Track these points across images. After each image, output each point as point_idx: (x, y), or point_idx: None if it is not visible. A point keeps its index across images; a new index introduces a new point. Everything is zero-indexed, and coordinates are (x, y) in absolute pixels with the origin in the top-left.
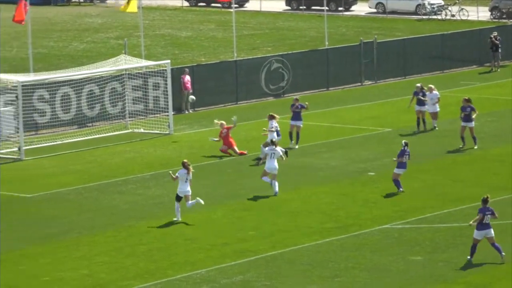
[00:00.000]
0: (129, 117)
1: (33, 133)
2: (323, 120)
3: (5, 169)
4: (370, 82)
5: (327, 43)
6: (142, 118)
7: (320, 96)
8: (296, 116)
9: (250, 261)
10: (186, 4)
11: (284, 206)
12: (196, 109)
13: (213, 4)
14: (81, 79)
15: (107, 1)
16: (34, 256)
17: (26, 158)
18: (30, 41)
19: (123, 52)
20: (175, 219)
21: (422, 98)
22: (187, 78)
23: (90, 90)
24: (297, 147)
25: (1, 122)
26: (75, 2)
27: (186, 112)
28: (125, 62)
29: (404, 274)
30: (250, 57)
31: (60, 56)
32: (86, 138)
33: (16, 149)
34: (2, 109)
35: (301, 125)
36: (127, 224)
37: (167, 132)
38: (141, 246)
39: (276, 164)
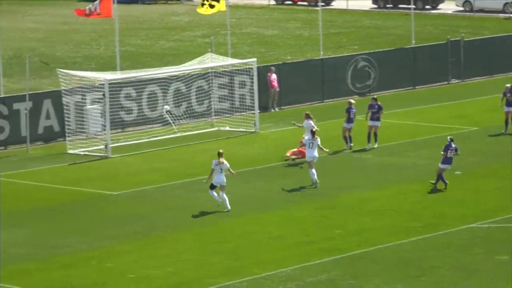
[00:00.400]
0: (215, 115)
1: (120, 130)
2: (409, 118)
3: (91, 167)
4: (456, 81)
5: (413, 41)
6: (228, 116)
7: (407, 94)
8: (374, 116)
9: (336, 259)
10: (273, 2)
11: (369, 204)
12: (282, 107)
13: (299, 3)
14: (168, 77)
15: (194, 0)
16: (120, 254)
17: (113, 156)
18: (117, 39)
19: (209, 50)
20: (218, 204)
21: (509, 98)
22: (274, 76)
23: (177, 88)
24: (376, 146)
25: (88, 119)
26: (162, 0)
27: (272, 110)
28: (212, 60)
29: (490, 274)
30: (337, 56)
31: (147, 54)
32: (172, 136)
33: (102, 146)
34: (89, 107)
35: (379, 125)
36: (212, 221)
37: (253, 130)
38: (226, 243)
39: (316, 153)
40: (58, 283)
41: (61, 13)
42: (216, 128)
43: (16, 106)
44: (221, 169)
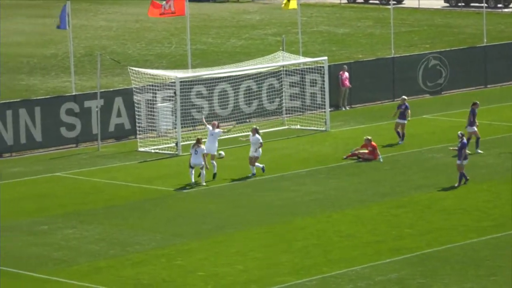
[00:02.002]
0: (286, 114)
1: (191, 128)
2: (480, 117)
3: (162, 165)
4: None
5: (485, 40)
6: (299, 115)
7: (478, 93)
8: (471, 122)
9: (405, 258)
10: (344, 0)
11: (440, 204)
12: (353, 105)
13: (371, 1)
14: (239, 75)
15: None
16: (190, 252)
17: (183, 154)
18: (189, 38)
19: (280, 48)
20: (192, 184)
21: None
22: (346, 74)
23: (248, 87)
24: (479, 151)
25: (159, 117)
26: None
27: (343, 108)
28: (283, 59)
29: None
30: (408, 54)
31: (218, 53)
32: (243, 134)
33: (173, 144)
34: (160, 104)
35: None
36: (282, 220)
37: (323, 128)
38: (296, 242)
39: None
40: (129, 280)
41: (133, 11)
42: (286, 127)
43: (87, 104)
44: (196, 151)
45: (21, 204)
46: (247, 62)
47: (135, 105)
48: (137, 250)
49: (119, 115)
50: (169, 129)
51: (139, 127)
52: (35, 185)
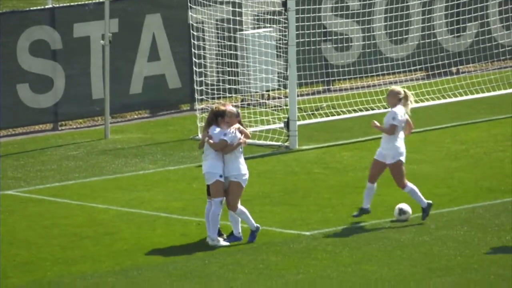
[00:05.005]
0: None
1: (320, 88)
2: None
3: (256, 170)
4: None
5: None
6: None
7: None
8: None
9: None
10: None
11: None
12: None
13: None
14: None
15: None
16: None
17: (301, 148)
18: None
19: None
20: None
21: None
22: None
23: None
24: None
25: (248, 65)
26: None
27: None
28: None
29: None
30: None
31: None
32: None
33: (280, 124)
34: (250, 32)
35: None
36: None
37: None
38: None
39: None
40: None
41: None
42: None
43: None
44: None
45: None
46: None
47: (192, 33)
48: None
49: (154, 57)
50: (270, 90)
51: (201, 85)
52: None
